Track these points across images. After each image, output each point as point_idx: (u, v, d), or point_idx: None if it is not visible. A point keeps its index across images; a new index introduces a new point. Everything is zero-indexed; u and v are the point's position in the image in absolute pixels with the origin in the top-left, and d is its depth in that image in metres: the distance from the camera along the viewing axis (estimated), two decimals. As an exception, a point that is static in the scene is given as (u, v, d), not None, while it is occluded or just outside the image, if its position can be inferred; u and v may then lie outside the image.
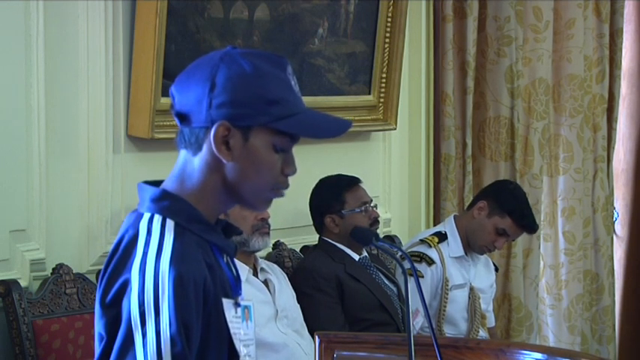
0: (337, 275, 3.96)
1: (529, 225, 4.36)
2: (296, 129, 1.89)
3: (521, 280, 5.20)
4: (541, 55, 5.19)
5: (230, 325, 1.89)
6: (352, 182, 4.10)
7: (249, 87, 1.85)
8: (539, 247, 5.34)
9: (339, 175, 4.13)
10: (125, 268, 1.83)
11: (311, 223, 4.15)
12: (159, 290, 1.78)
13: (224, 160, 1.86)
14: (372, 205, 4.10)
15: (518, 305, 5.18)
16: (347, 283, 3.97)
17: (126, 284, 1.81)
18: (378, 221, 4.11)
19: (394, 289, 4.17)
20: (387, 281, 4.16)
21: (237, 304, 1.92)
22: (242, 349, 1.91)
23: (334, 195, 4.05)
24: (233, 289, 1.93)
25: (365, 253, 4.15)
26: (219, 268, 1.90)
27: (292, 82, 1.90)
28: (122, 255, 1.85)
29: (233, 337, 1.89)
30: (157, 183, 1.94)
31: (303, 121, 1.89)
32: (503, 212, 4.31)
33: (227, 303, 1.89)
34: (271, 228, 3.75)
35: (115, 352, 1.80)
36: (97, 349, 1.87)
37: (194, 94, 1.86)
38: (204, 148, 1.87)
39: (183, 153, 1.91)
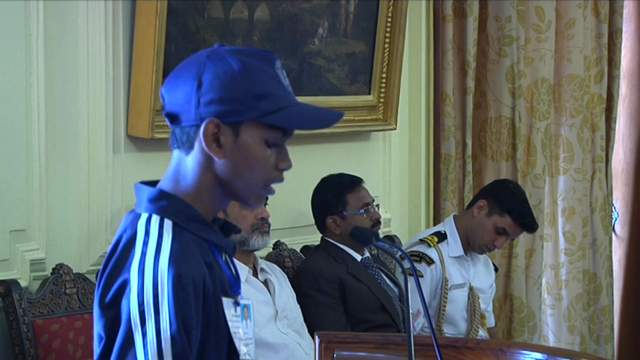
0: (339, 276, 3.96)
1: (529, 224, 4.36)
2: (285, 122, 1.88)
3: (523, 280, 5.20)
4: (543, 55, 5.19)
5: (230, 324, 1.89)
6: (354, 183, 4.08)
7: (236, 83, 1.85)
8: (542, 247, 5.34)
9: (342, 175, 4.12)
10: (124, 269, 1.83)
11: (311, 223, 4.15)
12: (158, 290, 1.78)
13: (216, 158, 1.86)
14: (373, 205, 4.09)
15: (519, 305, 5.18)
16: (349, 283, 3.96)
17: (125, 284, 1.81)
18: (379, 222, 4.10)
19: (396, 289, 4.16)
20: (389, 282, 4.15)
21: (236, 303, 1.92)
22: (242, 348, 1.91)
23: (336, 195, 4.04)
24: (232, 288, 1.93)
25: (367, 254, 4.14)
26: (218, 267, 1.90)
27: (281, 77, 1.89)
28: (120, 255, 1.85)
29: (233, 336, 1.89)
30: (153, 183, 1.94)
31: (292, 114, 1.88)
32: (502, 211, 4.31)
33: (226, 302, 1.89)
34: (272, 228, 3.75)
35: (115, 352, 1.80)
36: (97, 349, 1.86)
37: (182, 94, 1.87)
38: (196, 146, 1.87)
39: (176, 153, 1.91)
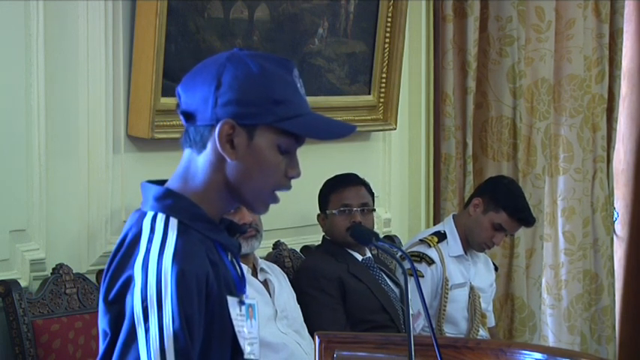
0: (339, 276, 3.95)
1: (525, 218, 4.34)
2: (301, 129, 1.90)
3: (524, 280, 5.20)
4: (543, 55, 5.20)
5: (234, 322, 1.89)
6: (344, 182, 4.04)
7: (255, 86, 1.86)
8: (542, 247, 5.34)
9: (344, 174, 4.10)
10: (128, 265, 1.84)
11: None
12: (162, 286, 1.79)
13: (228, 159, 1.87)
14: (359, 209, 4.01)
15: (520, 305, 5.18)
16: (349, 283, 3.96)
17: (129, 281, 1.82)
18: (357, 226, 3.98)
19: (397, 290, 4.16)
20: (390, 282, 4.14)
21: (241, 302, 1.92)
22: (246, 347, 1.91)
23: (323, 194, 4.08)
24: (237, 287, 1.94)
25: (369, 254, 4.13)
26: (224, 265, 1.91)
27: (298, 85, 1.92)
28: (125, 252, 1.86)
29: (237, 335, 1.90)
30: (160, 182, 1.94)
31: (307, 122, 1.91)
32: (498, 207, 4.30)
33: (231, 301, 1.90)
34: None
35: (118, 347, 1.81)
36: (102, 345, 1.87)
37: (200, 93, 1.88)
38: (209, 146, 1.88)
39: (187, 152, 1.92)
